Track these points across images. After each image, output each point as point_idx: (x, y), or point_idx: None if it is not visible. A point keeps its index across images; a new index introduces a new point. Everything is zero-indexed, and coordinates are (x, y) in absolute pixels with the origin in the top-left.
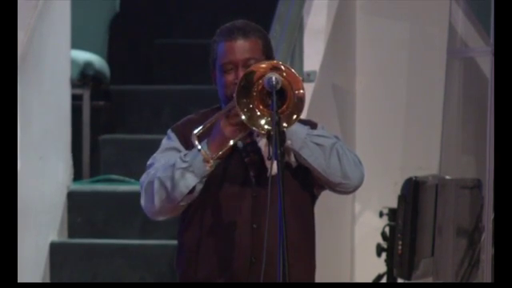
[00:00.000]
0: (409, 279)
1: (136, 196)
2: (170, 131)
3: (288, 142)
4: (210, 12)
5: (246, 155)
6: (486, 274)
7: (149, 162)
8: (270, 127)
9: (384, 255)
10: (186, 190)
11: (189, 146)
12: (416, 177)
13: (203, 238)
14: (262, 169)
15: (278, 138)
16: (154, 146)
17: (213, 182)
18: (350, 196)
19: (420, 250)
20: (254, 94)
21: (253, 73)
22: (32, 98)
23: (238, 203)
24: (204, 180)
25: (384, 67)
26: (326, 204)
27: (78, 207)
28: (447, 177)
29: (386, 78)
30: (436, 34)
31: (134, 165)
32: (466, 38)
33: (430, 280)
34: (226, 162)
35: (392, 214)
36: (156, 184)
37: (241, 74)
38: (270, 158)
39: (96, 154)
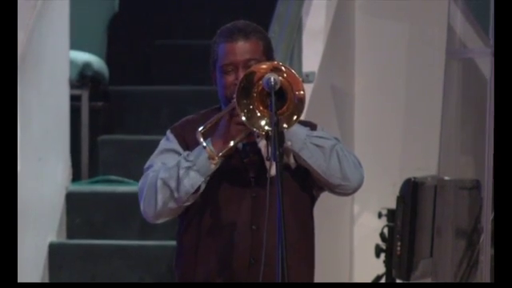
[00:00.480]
0: (407, 280)
1: (135, 197)
2: (168, 132)
3: (288, 143)
4: (210, 12)
5: (246, 156)
6: (484, 275)
7: (146, 165)
8: (270, 128)
9: (383, 256)
10: (191, 190)
11: (188, 146)
12: (415, 178)
13: (202, 239)
14: (262, 170)
15: (276, 138)
16: (152, 147)
17: (212, 183)
18: (349, 197)
19: (419, 250)
20: (254, 94)
21: (253, 73)
22: (31, 99)
23: (237, 204)
24: (207, 179)
25: (383, 68)
26: (324, 205)
27: (76, 208)
28: (446, 178)
29: (384, 78)
30: (435, 35)
31: (133, 165)
32: (464, 38)
33: (428, 281)
34: (226, 162)
35: (391, 214)
36: (159, 185)
37: (241, 74)
38: (268, 159)
39: (95, 154)
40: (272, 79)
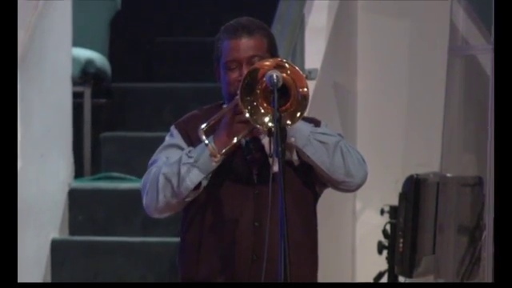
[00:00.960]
0: (410, 277)
1: (137, 193)
2: (172, 128)
3: (291, 140)
4: (211, 10)
5: (249, 153)
6: (487, 272)
7: (150, 161)
8: (273, 124)
9: (385, 253)
10: (191, 186)
11: (192, 142)
12: (417, 174)
13: (205, 236)
14: (265, 166)
15: (279, 135)
16: (154, 144)
17: (215, 180)
18: (351, 194)
19: (421, 247)
20: (258, 91)
21: (257, 70)
22: (33, 96)
23: (240, 201)
24: (209, 176)
25: (385, 65)
26: (327, 202)
27: (79, 205)
28: (448, 174)
29: (387, 75)
30: (437, 32)
31: (135, 162)
32: (467, 35)
33: (431, 278)
34: (229, 159)
35: (393, 211)
36: (161, 180)
37: (245, 71)
38: (271, 156)
39: (97, 151)
40: (274, 76)
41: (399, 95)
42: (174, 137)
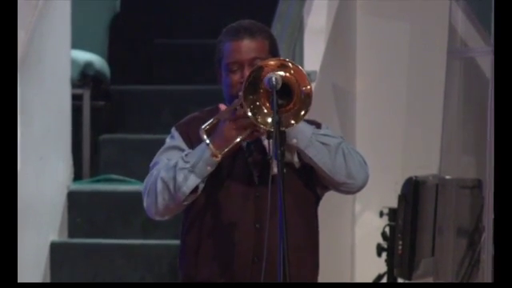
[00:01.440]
0: (409, 279)
1: (136, 196)
2: (173, 129)
3: (294, 141)
4: (211, 12)
5: (250, 154)
6: (486, 274)
7: (152, 163)
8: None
9: (384, 255)
10: (188, 191)
11: (192, 144)
12: (416, 176)
13: (206, 237)
14: (266, 168)
15: (278, 137)
16: (154, 146)
17: (216, 182)
18: (351, 196)
19: (420, 249)
20: (261, 90)
21: (261, 69)
22: (32, 98)
23: (240, 203)
24: (206, 179)
25: (384, 67)
26: (326, 204)
27: (78, 207)
28: (447, 177)
29: (386, 77)
30: (436, 34)
31: (134, 165)
32: (466, 37)
33: (430, 280)
34: (230, 161)
35: (392, 213)
36: (159, 184)
37: (247, 73)
38: (270, 158)
39: (96, 153)
40: (273, 78)
41: (398, 97)
42: (174, 139)
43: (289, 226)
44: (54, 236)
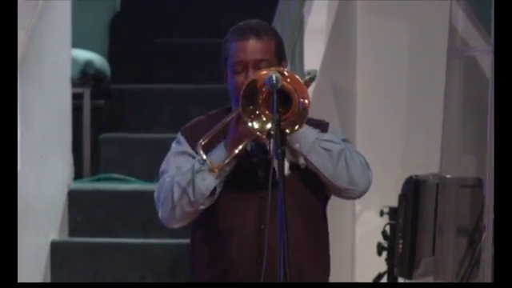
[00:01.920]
0: (409, 278)
1: (137, 195)
2: (179, 135)
3: (296, 146)
4: (211, 11)
5: (255, 156)
6: (486, 274)
7: (161, 169)
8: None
9: (385, 254)
10: (207, 192)
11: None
12: (417, 176)
13: (212, 238)
14: (268, 170)
15: (278, 137)
16: (154, 145)
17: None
18: None
19: (420, 249)
20: (260, 101)
21: (255, 81)
22: (33, 97)
23: (245, 204)
24: (223, 181)
25: (384, 66)
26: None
27: (78, 206)
28: (448, 176)
29: (386, 77)
30: (436, 33)
31: (135, 163)
32: (466, 36)
33: (430, 279)
34: (235, 162)
35: (393, 213)
36: (175, 190)
37: (251, 74)
38: (271, 157)
39: (96, 152)
40: (274, 77)
41: (398, 96)
42: (181, 144)
43: (291, 227)
44: (54, 235)
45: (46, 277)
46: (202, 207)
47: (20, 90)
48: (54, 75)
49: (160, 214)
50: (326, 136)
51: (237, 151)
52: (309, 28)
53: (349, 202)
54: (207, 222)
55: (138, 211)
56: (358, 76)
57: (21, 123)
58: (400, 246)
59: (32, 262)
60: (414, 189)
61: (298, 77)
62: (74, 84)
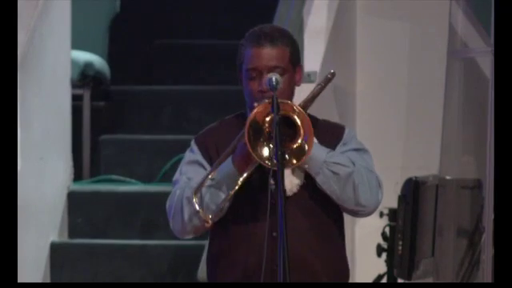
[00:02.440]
0: (409, 279)
1: (136, 196)
2: (192, 143)
3: (305, 166)
4: (210, 12)
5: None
6: (486, 275)
7: (174, 178)
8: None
9: (384, 255)
10: (216, 209)
11: (211, 157)
12: (416, 177)
13: (226, 247)
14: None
15: (278, 139)
16: (154, 146)
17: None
18: None
19: (420, 250)
20: (266, 131)
21: (254, 119)
22: (32, 98)
23: (257, 212)
24: (232, 198)
25: (384, 67)
26: None
27: (78, 207)
28: (447, 177)
29: (386, 78)
30: (436, 35)
31: (135, 165)
32: (466, 38)
33: (430, 280)
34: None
35: (392, 214)
36: (185, 203)
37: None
38: (271, 159)
39: (96, 154)
40: (274, 79)
41: (398, 97)
42: (194, 153)
43: (304, 236)
44: (54, 236)
45: (45, 278)
46: (211, 222)
47: (20, 91)
48: (53, 76)
49: (171, 226)
50: (334, 158)
51: (246, 174)
52: (309, 28)
53: None
54: (221, 231)
55: (138, 213)
56: (357, 77)
57: (21, 125)
58: (400, 248)
59: (32, 263)
60: (413, 190)
61: (308, 119)
62: (74, 85)
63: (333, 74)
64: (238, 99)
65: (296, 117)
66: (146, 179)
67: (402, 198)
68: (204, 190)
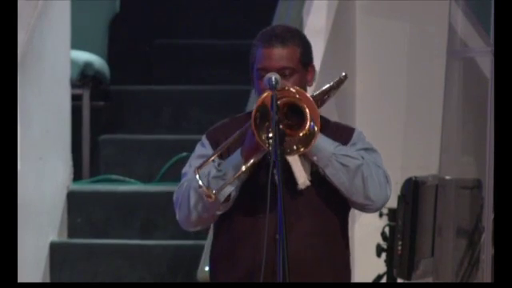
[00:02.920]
0: (408, 279)
1: (136, 196)
2: (204, 137)
3: (314, 158)
4: (210, 12)
5: (273, 165)
6: (485, 274)
7: (183, 171)
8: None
9: (384, 255)
10: (222, 199)
11: (222, 153)
12: (416, 177)
13: (229, 247)
14: (289, 180)
15: (277, 138)
16: (153, 146)
17: (239, 192)
18: None
19: (420, 250)
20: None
21: (263, 104)
22: (32, 98)
23: (261, 213)
24: (239, 188)
25: (384, 67)
26: None
27: (77, 207)
28: (447, 177)
29: (385, 78)
30: (436, 34)
31: (134, 165)
32: (465, 38)
33: (429, 280)
34: (253, 171)
35: (392, 214)
36: (192, 194)
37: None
38: (270, 158)
39: (96, 154)
40: (273, 78)
41: (398, 97)
42: (205, 147)
43: (308, 235)
44: (53, 236)
45: (45, 278)
46: (218, 212)
47: (19, 90)
48: (53, 76)
49: (177, 217)
50: (343, 150)
51: (252, 161)
52: (308, 28)
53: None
54: (226, 232)
55: (138, 212)
56: (357, 77)
57: (20, 124)
58: (399, 248)
59: (31, 263)
60: (413, 190)
61: (313, 102)
62: (74, 85)
63: (345, 77)
64: (238, 99)
65: (301, 103)
66: (146, 179)
67: (401, 198)
68: (211, 180)
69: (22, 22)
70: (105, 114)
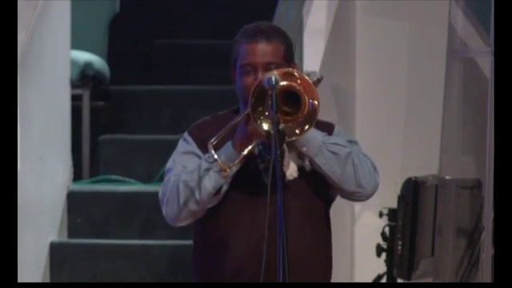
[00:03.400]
0: (408, 279)
1: (136, 196)
2: (186, 134)
3: (303, 149)
4: (210, 12)
5: (262, 161)
6: (485, 274)
7: (167, 167)
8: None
9: (384, 255)
10: (213, 191)
11: (206, 149)
12: (416, 177)
13: (216, 244)
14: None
15: (277, 138)
16: (153, 147)
17: (228, 188)
18: None
19: (420, 250)
20: (269, 102)
21: (260, 85)
22: (32, 98)
23: (251, 209)
24: (229, 180)
25: (384, 67)
26: None
27: (77, 207)
28: (447, 177)
29: (385, 77)
30: (436, 35)
31: (134, 165)
32: (465, 38)
33: (429, 280)
34: (242, 167)
35: (392, 214)
36: (181, 188)
37: (260, 76)
38: (270, 157)
39: (96, 154)
40: (273, 78)
41: (398, 97)
42: (189, 144)
43: (296, 230)
44: (53, 236)
45: (45, 278)
46: (208, 206)
47: (19, 90)
48: (53, 76)
49: (164, 213)
50: (332, 139)
51: (246, 152)
52: (308, 28)
53: (348, 203)
54: (211, 228)
55: (138, 212)
56: (357, 76)
57: (20, 124)
58: (399, 247)
59: (31, 263)
60: (413, 190)
61: (307, 78)
62: (74, 85)
63: (321, 77)
64: (238, 99)
65: (298, 86)
66: (146, 179)
67: (401, 198)
68: (203, 172)
69: (22, 22)
70: (105, 114)
